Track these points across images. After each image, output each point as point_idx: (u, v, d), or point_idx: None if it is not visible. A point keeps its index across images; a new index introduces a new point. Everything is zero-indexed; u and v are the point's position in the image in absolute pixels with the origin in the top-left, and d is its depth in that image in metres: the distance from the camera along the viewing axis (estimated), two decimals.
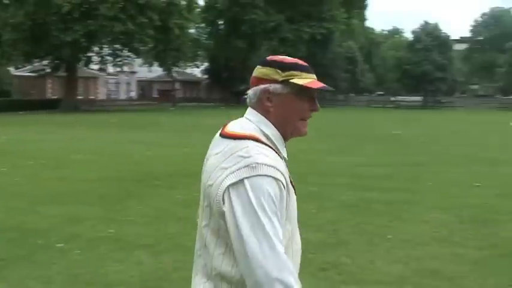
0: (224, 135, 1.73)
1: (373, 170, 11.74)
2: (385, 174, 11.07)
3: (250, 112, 1.77)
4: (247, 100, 1.77)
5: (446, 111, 54.03)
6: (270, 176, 1.58)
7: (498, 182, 10.23)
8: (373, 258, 5.57)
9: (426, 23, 63.47)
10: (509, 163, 13.15)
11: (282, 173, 1.62)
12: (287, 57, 1.77)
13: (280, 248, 1.54)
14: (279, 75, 1.71)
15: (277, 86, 1.71)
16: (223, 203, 1.59)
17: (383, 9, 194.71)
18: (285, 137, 1.77)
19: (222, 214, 1.60)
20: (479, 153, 15.23)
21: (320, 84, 1.73)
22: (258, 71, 1.75)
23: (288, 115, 1.74)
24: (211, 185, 1.64)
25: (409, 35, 68.61)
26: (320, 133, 20.17)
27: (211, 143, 1.80)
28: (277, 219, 1.56)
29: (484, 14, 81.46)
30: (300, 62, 1.75)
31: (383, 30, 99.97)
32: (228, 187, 1.58)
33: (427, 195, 8.88)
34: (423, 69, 58.71)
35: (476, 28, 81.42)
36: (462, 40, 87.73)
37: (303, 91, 1.72)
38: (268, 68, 1.73)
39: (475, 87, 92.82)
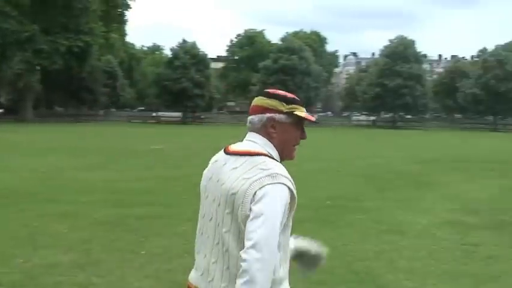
0: (234, 153, 2.09)
1: (131, 185, 11.63)
2: (143, 189, 11.04)
3: (254, 136, 2.13)
4: (248, 124, 2.14)
5: (206, 126, 56.30)
6: (285, 185, 1.96)
7: None
8: (125, 275, 5.48)
9: (184, 41, 65.46)
10: None
11: (292, 184, 1.99)
12: (285, 92, 2.16)
13: (275, 248, 1.89)
14: (283, 107, 2.10)
15: (282, 116, 2.10)
16: (250, 206, 1.91)
17: (143, 25, 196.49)
18: (281, 159, 2.12)
19: (247, 217, 1.91)
20: None
21: (314, 118, 2.16)
22: (264, 101, 2.12)
23: (287, 141, 2.13)
24: (235, 193, 1.96)
25: (168, 52, 69.97)
26: (77, 149, 19.41)
27: (215, 162, 2.19)
28: (280, 223, 1.92)
29: (238, 35, 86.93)
30: (297, 97, 2.16)
31: (143, 46, 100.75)
32: (257, 191, 1.91)
33: (183, 208, 9.02)
34: (182, 85, 60.29)
35: (232, 48, 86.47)
36: (219, 59, 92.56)
37: (300, 122, 2.14)
38: (273, 99, 2.11)
39: (232, 103, 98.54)
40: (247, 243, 1.86)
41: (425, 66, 78.83)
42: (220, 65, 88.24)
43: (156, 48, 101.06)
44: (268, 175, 1.95)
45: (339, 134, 44.25)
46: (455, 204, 10.30)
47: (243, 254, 1.85)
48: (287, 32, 79.16)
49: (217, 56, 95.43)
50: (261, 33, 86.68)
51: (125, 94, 67.18)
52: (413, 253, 6.66)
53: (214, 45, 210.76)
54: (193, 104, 62.72)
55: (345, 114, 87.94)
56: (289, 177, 1.99)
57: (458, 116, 79.07)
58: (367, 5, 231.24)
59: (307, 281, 5.45)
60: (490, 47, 74.75)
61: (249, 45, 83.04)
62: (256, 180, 1.94)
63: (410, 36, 77.00)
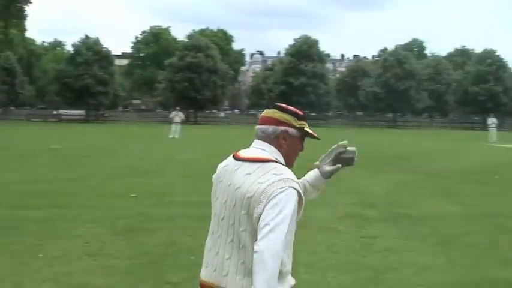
0: (246, 160, 2.33)
1: (28, 186, 11.12)
2: (40, 191, 10.58)
3: (262, 144, 2.39)
4: (260, 133, 2.40)
5: (110, 124, 54.96)
6: (295, 189, 2.21)
7: (153, 192, 10.70)
8: (22, 280, 5.25)
9: (87, 36, 63.57)
10: (163, 174, 13.92)
11: (300, 186, 2.27)
12: (295, 108, 2.47)
13: (277, 240, 2.11)
14: (296, 123, 2.41)
15: (294, 131, 2.40)
16: (264, 208, 2.15)
17: (44, 21, 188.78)
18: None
19: (260, 216, 2.15)
20: (138, 164, 15.78)
21: (315, 134, 2.49)
22: (279, 114, 2.40)
23: (293, 152, 2.44)
24: (251, 197, 2.20)
25: (70, 48, 67.54)
26: None
27: (225, 167, 2.41)
28: (289, 222, 2.16)
29: (144, 32, 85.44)
30: (303, 113, 2.48)
31: (44, 42, 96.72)
32: (270, 195, 2.15)
33: (82, 209, 8.77)
34: (84, 82, 58.62)
35: (137, 45, 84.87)
36: (124, 56, 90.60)
37: (304, 136, 2.47)
38: (288, 115, 2.41)
39: (137, 101, 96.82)
40: (260, 237, 2.11)
41: (329, 65, 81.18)
42: (125, 62, 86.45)
43: (57, 44, 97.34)
44: (281, 180, 2.21)
45: (244, 131, 44.56)
46: (355, 198, 10.67)
47: (256, 246, 2.11)
48: (193, 30, 79.05)
49: (122, 53, 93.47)
50: (167, 30, 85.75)
51: (24, 92, 64.26)
52: (314, 247, 6.82)
53: (118, 42, 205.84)
54: (96, 102, 61.13)
55: (252, 112, 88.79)
56: (297, 181, 2.30)
57: (359, 113, 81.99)
58: (274, 4, 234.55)
59: None
60: (390, 47, 78.22)
61: (155, 42, 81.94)
62: (270, 185, 2.19)
63: (314, 36, 79.11)
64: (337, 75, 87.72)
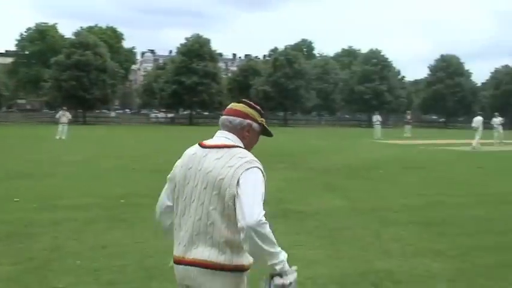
0: (213, 147, 2.64)
1: None
2: None
3: (226, 134, 2.70)
4: (227, 123, 2.71)
5: None
6: (259, 169, 2.56)
7: (37, 196, 10.22)
8: None
9: None
10: (49, 176, 13.33)
11: (262, 166, 2.60)
12: (258, 106, 2.81)
13: (261, 211, 2.43)
14: (259, 119, 2.76)
15: (256, 125, 2.76)
16: (237, 188, 2.45)
17: None
18: None
19: (233, 196, 2.46)
20: (22, 167, 15.00)
21: (271, 132, 2.83)
22: (247, 109, 2.73)
23: (251, 144, 2.78)
24: (222, 178, 2.50)
25: None
26: None
27: (193, 155, 2.69)
28: (262, 195, 2.52)
29: (29, 29, 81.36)
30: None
31: None
32: (240, 176, 2.46)
33: None
34: None
35: (22, 42, 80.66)
36: (7, 54, 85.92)
37: (261, 132, 2.81)
38: (254, 111, 2.75)
39: (22, 101, 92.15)
40: (247, 214, 2.39)
41: (221, 64, 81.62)
42: (9, 60, 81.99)
43: None
44: (246, 162, 2.55)
45: (137, 131, 43.82)
46: None
47: (243, 221, 2.39)
48: (81, 27, 76.33)
49: (6, 51, 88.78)
50: (53, 27, 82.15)
51: None
52: None
53: (2, 40, 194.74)
54: None
55: (144, 111, 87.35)
56: (259, 162, 2.61)
57: None
58: (166, 2, 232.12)
59: (98, 282, 5.30)
60: (281, 47, 79.95)
61: (41, 40, 78.23)
62: (238, 167, 2.51)
63: (207, 35, 79.22)
64: (229, 75, 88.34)
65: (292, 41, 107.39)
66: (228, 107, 2.81)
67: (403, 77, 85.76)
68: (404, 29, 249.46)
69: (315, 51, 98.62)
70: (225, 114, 2.76)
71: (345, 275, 5.65)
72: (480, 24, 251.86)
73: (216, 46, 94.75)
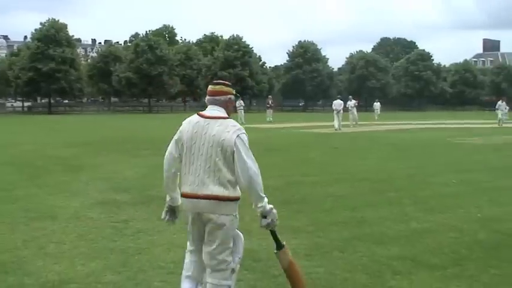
0: (212, 118, 3.85)
1: None
2: None
3: (218, 108, 3.92)
4: (213, 100, 3.93)
5: None
6: (244, 133, 3.84)
7: None
8: None
9: None
10: None
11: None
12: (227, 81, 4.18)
13: (255, 163, 3.81)
14: (232, 92, 4.01)
15: (232, 97, 4.03)
16: (234, 146, 3.73)
17: None
18: None
19: (233, 152, 3.73)
20: None
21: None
22: (226, 88, 3.97)
23: (231, 111, 4.04)
24: (224, 139, 3.74)
25: None
26: None
27: (197, 123, 3.88)
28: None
29: None
30: None
31: None
32: (235, 138, 3.74)
33: None
34: None
35: None
36: None
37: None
38: (229, 87, 3.99)
39: None
40: (246, 166, 3.75)
41: (80, 50, 78.42)
42: None
43: None
44: (237, 129, 3.83)
45: None
46: (108, 184, 10.52)
47: (249, 171, 3.76)
48: None
49: None
50: None
51: None
52: (64, 236, 6.57)
53: None
54: None
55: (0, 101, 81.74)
56: (242, 128, 3.91)
57: (114, 99, 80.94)
58: None
59: None
60: (142, 32, 78.40)
61: None
62: (233, 132, 3.78)
63: (63, 19, 75.52)
64: (89, 61, 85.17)
65: (154, 26, 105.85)
66: (211, 88, 3.98)
67: (264, 62, 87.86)
68: (266, 16, 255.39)
69: (177, 37, 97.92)
70: (211, 95, 3.98)
71: None
72: (336, 11, 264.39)
73: (74, 31, 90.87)
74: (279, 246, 4.24)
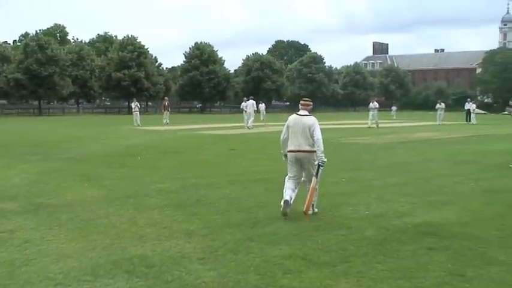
0: (304, 115, 8.17)
1: None
2: None
3: (306, 111, 8.25)
4: (305, 107, 8.31)
5: None
6: (316, 120, 8.17)
7: None
8: None
9: None
10: None
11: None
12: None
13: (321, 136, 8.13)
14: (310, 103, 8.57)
15: (311, 106, 8.55)
16: (313, 125, 8.02)
17: None
18: None
19: (313, 129, 7.97)
20: None
21: None
22: (310, 101, 8.50)
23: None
24: (310, 124, 7.99)
25: None
26: None
27: (296, 117, 8.20)
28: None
29: None
30: None
31: None
32: (313, 122, 8.05)
33: None
34: None
35: None
36: None
37: None
38: (310, 101, 8.55)
39: None
40: (316, 134, 7.94)
41: None
42: None
43: None
44: (315, 119, 8.07)
45: None
46: None
47: (315, 137, 7.91)
48: None
49: None
50: None
51: None
52: None
53: None
54: None
55: None
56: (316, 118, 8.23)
57: (3, 101, 76.97)
58: None
59: None
60: (32, 31, 75.07)
61: None
62: (313, 121, 8.03)
63: None
64: None
65: (45, 25, 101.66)
66: (303, 102, 8.33)
67: (161, 64, 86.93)
68: (163, 16, 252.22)
69: (69, 37, 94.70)
70: (303, 105, 8.25)
71: (97, 266, 5.54)
72: (233, 14, 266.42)
73: None
74: (316, 175, 7.95)
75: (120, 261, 5.67)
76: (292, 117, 8.17)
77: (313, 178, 7.86)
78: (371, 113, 37.19)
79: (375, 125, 35.70)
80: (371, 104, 38.17)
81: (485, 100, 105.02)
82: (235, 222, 7.54)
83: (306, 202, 7.74)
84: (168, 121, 39.88)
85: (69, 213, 8.03)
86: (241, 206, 8.67)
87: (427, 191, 10.29)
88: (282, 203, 7.84)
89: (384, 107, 70.45)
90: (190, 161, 15.04)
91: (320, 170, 7.88)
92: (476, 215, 8.21)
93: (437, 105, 45.39)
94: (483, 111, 72.24)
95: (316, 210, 8.07)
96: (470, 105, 47.49)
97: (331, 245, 6.41)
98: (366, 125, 35.75)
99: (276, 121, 38.64)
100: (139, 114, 39.05)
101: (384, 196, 9.67)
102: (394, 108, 66.59)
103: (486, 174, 12.77)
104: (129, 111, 56.19)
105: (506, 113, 77.53)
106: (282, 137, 8.23)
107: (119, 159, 15.30)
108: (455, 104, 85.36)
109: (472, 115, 46.05)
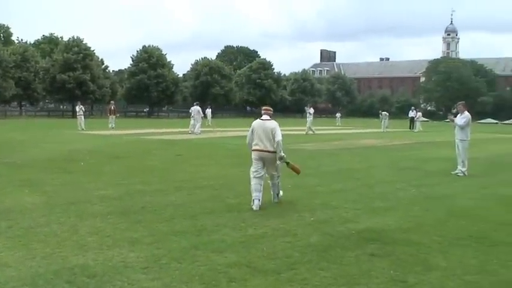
0: (266, 119, 9.55)
1: None
2: None
3: (267, 117, 9.64)
4: (267, 113, 9.71)
5: None
6: (278, 124, 9.60)
7: None
8: None
9: None
10: None
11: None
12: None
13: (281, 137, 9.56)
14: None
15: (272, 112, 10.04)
16: (275, 129, 9.40)
17: None
18: None
19: (274, 132, 9.33)
20: None
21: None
22: (270, 108, 9.96)
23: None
24: (272, 128, 9.36)
25: None
26: None
27: (260, 121, 9.54)
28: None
29: None
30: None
31: None
32: (275, 126, 9.44)
33: None
34: None
35: None
36: None
37: None
38: (270, 107, 10.19)
39: None
40: (277, 137, 9.29)
41: None
42: None
43: None
44: (276, 124, 9.45)
45: None
46: None
47: (277, 139, 9.27)
48: None
49: None
50: None
51: None
52: None
53: None
54: None
55: None
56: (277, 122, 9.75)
57: None
58: None
59: None
60: None
61: None
62: (275, 125, 9.42)
63: None
64: None
65: None
66: (265, 108, 9.82)
67: (107, 66, 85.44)
68: (110, 18, 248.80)
69: (13, 37, 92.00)
70: (265, 111, 9.72)
71: (37, 275, 5.38)
72: (182, 17, 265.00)
73: None
74: (288, 163, 9.82)
75: (61, 271, 5.52)
76: (257, 122, 9.54)
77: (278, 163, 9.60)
78: (308, 119, 37.24)
79: (311, 131, 35.82)
80: (307, 109, 38.27)
81: (428, 108, 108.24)
82: (180, 230, 7.47)
83: (296, 169, 10.21)
84: (113, 125, 39.23)
85: (9, 221, 7.78)
86: (186, 213, 8.60)
87: (371, 197, 10.48)
88: (253, 204, 9.11)
89: (331, 113, 71.46)
90: (135, 167, 14.82)
91: (282, 161, 9.63)
92: (417, 221, 8.41)
93: (380, 116, 46.98)
94: (426, 119, 74.16)
95: (281, 193, 9.93)
96: (414, 113, 48.86)
97: (276, 252, 6.43)
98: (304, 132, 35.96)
99: (223, 126, 38.66)
100: (84, 118, 38.34)
101: (329, 202, 9.80)
102: (338, 115, 67.90)
103: (427, 181, 13.12)
104: (74, 114, 54.96)
105: (447, 120, 79.91)
106: (248, 139, 9.66)
107: (61, 164, 14.93)
108: (399, 112, 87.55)
109: (418, 123, 47.34)
